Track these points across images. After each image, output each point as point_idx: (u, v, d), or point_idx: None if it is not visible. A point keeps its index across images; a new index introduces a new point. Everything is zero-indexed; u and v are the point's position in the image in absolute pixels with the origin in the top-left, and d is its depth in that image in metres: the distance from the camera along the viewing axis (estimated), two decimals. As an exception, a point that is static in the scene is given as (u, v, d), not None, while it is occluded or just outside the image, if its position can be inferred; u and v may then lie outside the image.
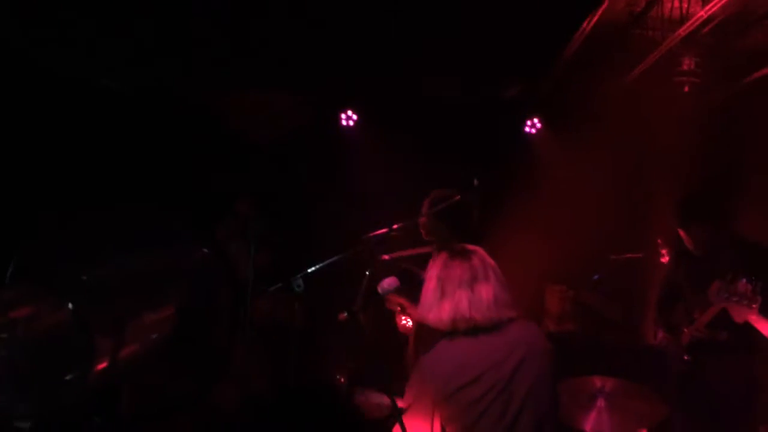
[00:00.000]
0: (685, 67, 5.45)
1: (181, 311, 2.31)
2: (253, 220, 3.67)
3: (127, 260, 2.28)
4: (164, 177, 5.70)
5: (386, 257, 4.01)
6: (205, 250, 2.60)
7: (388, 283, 3.55)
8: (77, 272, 2.06)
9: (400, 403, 2.93)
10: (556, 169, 6.38)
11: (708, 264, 4.16)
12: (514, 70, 6.20)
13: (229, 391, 3.49)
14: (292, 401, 1.69)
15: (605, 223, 5.75)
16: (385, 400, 3.55)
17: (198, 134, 6.20)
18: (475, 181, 3.97)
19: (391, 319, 4.27)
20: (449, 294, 2.84)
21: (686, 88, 5.48)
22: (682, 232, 4.26)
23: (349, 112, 6.77)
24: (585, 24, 5.03)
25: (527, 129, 6.92)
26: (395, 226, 3.87)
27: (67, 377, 1.81)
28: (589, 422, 3.76)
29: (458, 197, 3.96)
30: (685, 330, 4.27)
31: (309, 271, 3.36)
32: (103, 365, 1.89)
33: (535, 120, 6.88)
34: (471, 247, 2.98)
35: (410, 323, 4.10)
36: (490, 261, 2.93)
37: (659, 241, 5.52)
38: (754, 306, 3.54)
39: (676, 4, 5.06)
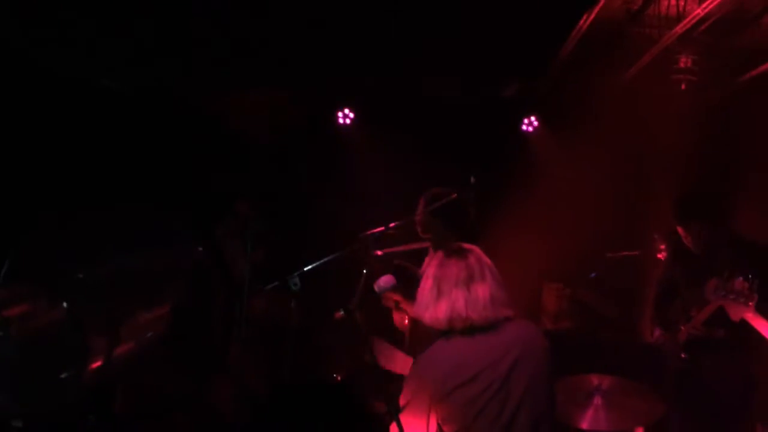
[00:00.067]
0: (682, 65, 5.46)
1: (176, 310, 2.31)
2: (252, 219, 3.67)
3: (123, 259, 2.27)
4: (162, 177, 5.69)
5: (379, 253, 4.01)
6: (201, 249, 2.60)
7: (385, 281, 3.55)
8: (72, 271, 2.05)
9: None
10: (553, 167, 6.38)
11: (705, 262, 4.17)
12: (511, 68, 6.20)
13: (226, 390, 3.49)
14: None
15: (602, 221, 5.75)
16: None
17: (196, 134, 6.19)
18: (472, 179, 3.97)
19: (387, 316, 4.27)
20: (446, 293, 2.84)
21: (683, 86, 5.48)
22: (680, 230, 4.26)
23: (346, 111, 6.76)
24: (582, 22, 5.03)
25: (524, 127, 6.91)
26: (392, 225, 3.87)
27: (62, 376, 1.81)
28: (586, 420, 3.76)
29: (455, 195, 3.97)
30: (682, 328, 4.28)
31: (306, 269, 3.36)
32: (97, 364, 1.89)
33: (532, 118, 6.88)
34: (467, 245, 2.98)
35: (407, 320, 4.10)
36: (487, 260, 2.93)
37: (656, 238, 5.52)
38: (750, 304, 3.55)
39: (673, 2, 5.06)
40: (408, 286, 3.73)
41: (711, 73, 5.71)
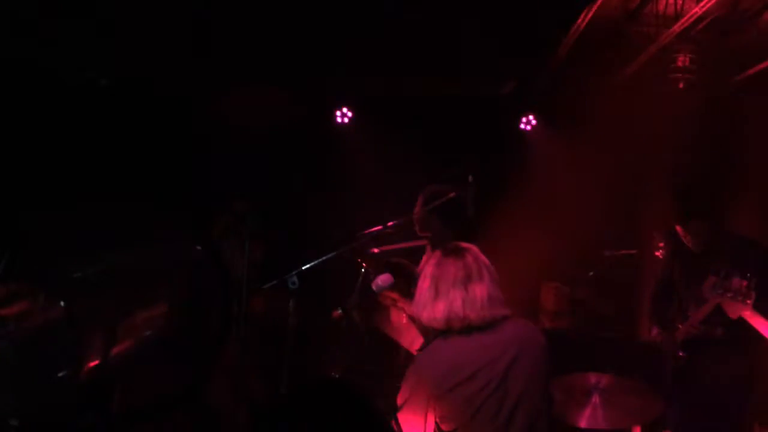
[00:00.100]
0: (680, 64, 5.45)
1: (173, 309, 2.31)
2: (250, 218, 3.66)
3: (120, 258, 2.27)
4: (159, 175, 5.69)
5: (376, 250, 4.01)
6: (199, 248, 2.60)
7: (383, 279, 3.56)
8: (70, 270, 2.05)
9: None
10: (552, 165, 6.38)
11: (703, 260, 4.17)
12: (509, 66, 6.20)
13: (223, 389, 3.49)
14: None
15: (600, 219, 5.75)
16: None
17: (194, 132, 6.19)
18: (470, 178, 3.97)
19: (385, 314, 4.27)
20: (443, 293, 2.84)
21: (681, 85, 5.48)
22: (679, 229, 4.26)
23: (344, 110, 6.75)
24: (580, 20, 5.02)
25: (522, 126, 6.91)
26: (390, 224, 3.86)
27: (59, 375, 1.80)
28: (584, 418, 3.76)
29: (453, 194, 3.96)
30: (680, 326, 4.28)
31: (304, 268, 3.35)
32: (94, 363, 1.88)
33: (531, 117, 6.87)
34: (464, 245, 2.98)
35: (404, 318, 4.10)
36: (484, 259, 2.93)
37: (656, 236, 5.52)
38: (748, 302, 3.56)
39: (671, 0, 5.07)
40: (405, 284, 3.73)
41: (709, 72, 5.71)
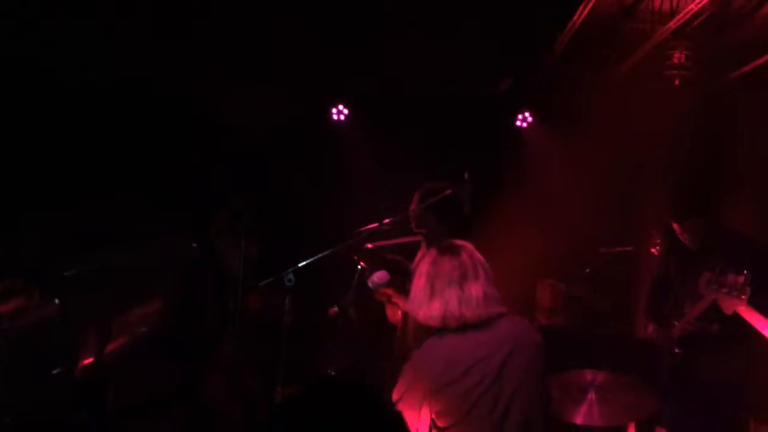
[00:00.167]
0: (676, 61, 5.45)
1: (169, 306, 2.30)
2: (246, 215, 3.66)
3: (115, 255, 2.26)
4: (155, 172, 5.68)
5: (370, 246, 4.01)
6: (194, 245, 2.59)
7: (379, 276, 3.55)
8: (64, 267, 2.04)
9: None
10: (548, 162, 6.38)
11: (699, 257, 4.17)
12: (505, 64, 6.20)
13: (219, 387, 3.48)
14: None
15: (596, 216, 5.75)
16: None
17: (190, 130, 6.18)
18: (466, 175, 3.97)
19: (380, 311, 4.27)
20: (439, 292, 2.85)
21: (677, 82, 5.48)
22: (676, 226, 4.27)
23: (340, 107, 6.75)
24: (576, 17, 5.02)
25: (518, 123, 6.91)
26: (386, 221, 3.87)
27: (53, 373, 1.80)
28: (580, 415, 3.76)
29: (449, 191, 3.97)
30: (676, 323, 4.29)
31: (300, 265, 3.35)
32: (89, 360, 1.88)
33: (527, 114, 6.87)
34: (459, 242, 2.98)
35: (399, 314, 4.10)
36: (479, 257, 2.94)
37: (654, 234, 5.53)
38: (743, 297, 3.56)
39: (667, -3, 5.08)
40: (400, 280, 3.73)
41: (705, 69, 5.71)
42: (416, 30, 5.19)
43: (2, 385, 1.81)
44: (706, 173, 5.64)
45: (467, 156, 5.53)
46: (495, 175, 6.11)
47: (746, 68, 5.79)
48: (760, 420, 4.54)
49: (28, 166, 5.10)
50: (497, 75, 6.60)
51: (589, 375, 3.89)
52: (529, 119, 6.88)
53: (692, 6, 4.65)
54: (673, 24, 4.96)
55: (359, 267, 3.85)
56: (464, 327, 2.83)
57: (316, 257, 3.43)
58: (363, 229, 3.93)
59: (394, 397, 2.86)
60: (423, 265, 2.96)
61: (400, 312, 4.02)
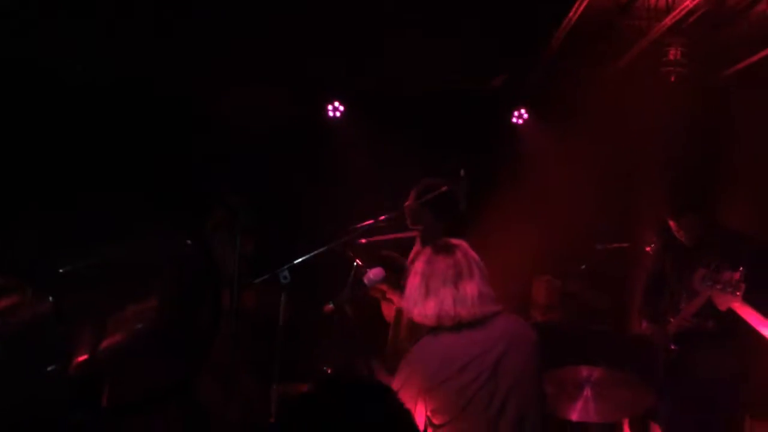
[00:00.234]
0: (671, 57, 5.45)
1: (164, 303, 2.30)
2: (242, 212, 3.66)
3: (111, 252, 2.26)
4: (150, 169, 5.67)
5: (363, 241, 4.01)
6: (189, 242, 2.59)
7: (375, 273, 3.55)
8: (59, 264, 2.03)
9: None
10: (543, 159, 6.38)
11: (695, 254, 4.18)
12: (501, 59, 6.19)
13: (214, 386, 3.48)
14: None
15: (592, 212, 5.76)
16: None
17: (186, 127, 6.17)
18: (462, 172, 3.97)
19: (376, 307, 4.27)
20: (433, 291, 2.85)
21: (672, 78, 5.48)
22: (672, 223, 4.27)
23: (336, 104, 6.73)
24: (572, 13, 5.02)
25: (514, 119, 6.90)
26: (382, 217, 3.87)
27: (47, 370, 1.79)
28: (576, 411, 3.77)
29: (445, 187, 3.96)
30: (672, 319, 4.29)
31: (296, 262, 3.35)
32: (83, 357, 1.87)
33: (522, 110, 6.87)
34: (454, 241, 2.99)
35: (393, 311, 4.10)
36: (474, 255, 2.94)
37: (647, 232, 5.53)
38: (737, 293, 3.56)
39: (663, -7, 5.07)
40: (395, 276, 3.73)
41: (700, 65, 5.72)
42: (412, 27, 5.18)
43: (-4, 383, 1.81)
44: (701, 170, 5.65)
45: (463, 153, 5.52)
46: (491, 172, 6.11)
47: (741, 65, 5.80)
48: (755, 416, 4.55)
49: (27, 165, 5.09)
50: (493, 71, 6.59)
51: (584, 371, 3.90)
52: (525, 116, 6.87)
53: (688, 3, 4.64)
54: (668, 20, 4.96)
55: (355, 264, 3.85)
56: (459, 326, 2.84)
57: (311, 254, 3.43)
58: (359, 225, 3.93)
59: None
60: (418, 264, 2.96)
61: (394, 308, 4.02)
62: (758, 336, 3.55)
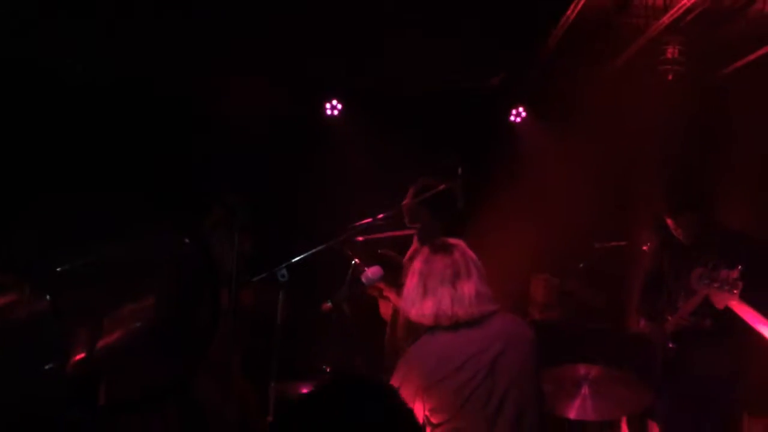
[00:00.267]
0: (669, 56, 5.45)
1: (161, 301, 2.29)
2: (240, 210, 3.66)
3: (108, 250, 2.25)
4: (147, 167, 5.66)
5: (361, 239, 4.01)
6: (187, 240, 2.58)
7: (373, 272, 3.56)
8: (55, 263, 2.03)
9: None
10: (541, 157, 6.38)
11: (693, 252, 4.19)
12: (499, 58, 6.19)
13: (211, 384, 3.48)
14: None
15: (590, 211, 5.75)
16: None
17: (183, 125, 6.16)
18: (460, 170, 3.98)
19: (374, 307, 4.27)
20: (431, 290, 2.86)
21: (670, 76, 5.48)
22: (670, 222, 4.28)
23: (334, 102, 6.73)
24: (569, 11, 5.02)
25: (512, 118, 6.90)
26: (380, 216, 3.87)
27: (44, 368, 1.79)
28: (574, 410, 3.77)
29: (443, 186, 3.97)
30: (669, 318, 4.30)
31: (294, 260, 3.35)
32: (80, 356, 1.87)
33: (520, 109, 6.86)
34: (452, 241, 3.00)
35: (390, 309, 4.11)
36: (471, 254, 2.95)
37: (643, 231, 5.53)
38: (735, 292, 3.57)
39: (660, -9, 5.07)
40: (392, 275, 3.74)
41: (698, 64, 5.72)
42: (410, 25, 5.18)
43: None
44: (699, 168, 5.65)
45: (461, 151, 5.52)
46: (489, 171, 6.11)
47: (739, 63, 5.80)
48: (753, 414, 4.56)
49: (27, 165, 5.08)
50: (491, 70, 6.58)
51: (582, 369, 3.89)
52: (523, 114, 6.87)
53: (685, 1, 4.64)
54: (666, 19, 4.96)
55: (353, 262, 3.85)
56: (456, 325, 2.85)
57: (309, 252, 3.43)
58: (357, 224, 3.93)
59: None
60: (416, 264, 2.97)
61: (391, 305, 4.03)
62: (756, 334, 3.55)
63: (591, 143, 5.70)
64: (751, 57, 5.61)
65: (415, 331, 3.10)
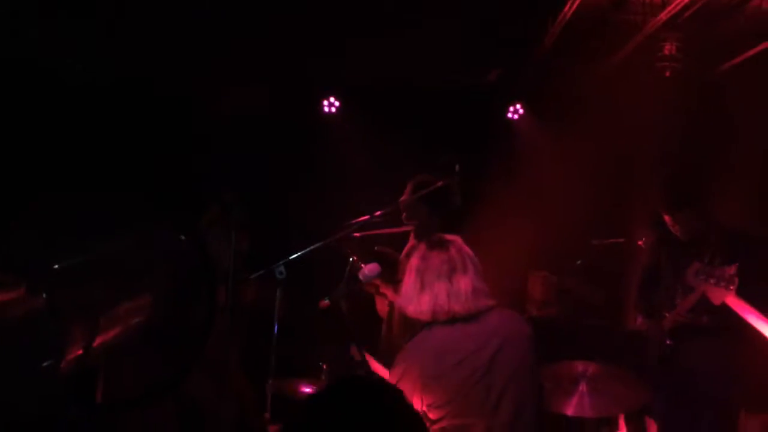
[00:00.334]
0: (667, 52, 5.45)
1: (158, 299, 2.29)
2: (237, 208, 3.67)
3: (104, 248, 2.25)
4: (144, 165, 5.67)
5: (357, 235, 4.02)
6: (183, 238, 2.58)
7: (370, 269, 3.56)
8: (51, 261, 2.03)
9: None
10: (539, 154, 6.38)
11: (690, 249, 4.19)
12: (496, 55, 6.19)
13: (208, 382, 3.48)
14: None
15: (588, 208, 5.76)
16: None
17: (181, 123, 6.17)
18: (457, 167, 3.98)
19: (370, 302, 4.28)
20: (428, 286, 2.87)
21: (667, 73, 5.47)
22: (667, 218, 4.28)
23: (332, 99, 6.73)
24: (566, 8, 5.02)
25: (510, 115, 6.91)
26: (377, 213, 3.87)
27: (41, 366, 1.79)
28: (571, 406, 3.77)
29: (441, 183, 3.97)
30: (667, 315, 4.30)
31: (291, 258, 3.36)
32: (77, 353, 1.87)
33: (518, 106, 6.87)
34: (449, 237, 3.01)
35: (387, 306, 4.11)
36: (468, 250, 2.96)
37: (643, 226, 5.53)
38: (731, 288, 3.57)
39: (658, -12, 5.06)
40: (389, 272, 3.74)
41: (696, 60, 5.72)
42: (408, 22, 5.18)
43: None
44: (696, 165, 5.66)
45: (458, 148, 5.52)
46: (486, 168, 6.11)
47: (737, 59, 5.79)
48: (750, 411, 4.56)
49: (27, 165, 5.09)
50: (488, 67, 6.59)
51: (580, 366, 3.89)
52: (521, 111, 6.88)
53: (683, -3, 4.65)
54: (663, 15, 4.95)
55: (350, 260, 3.85)
56: (453, 320, 2.85)
57: (307, 250, 3.44)
58: (354, 221, 3.94)
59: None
60: (413, 260, 2.99)
61: (387, 302, 4.03)
62: (752, 331, 3.56)
63: (588, 140, 5.70)
64: (749, 54, 5.61)
65: (411, 327, 3.11)
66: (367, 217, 3.87)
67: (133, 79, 5.93)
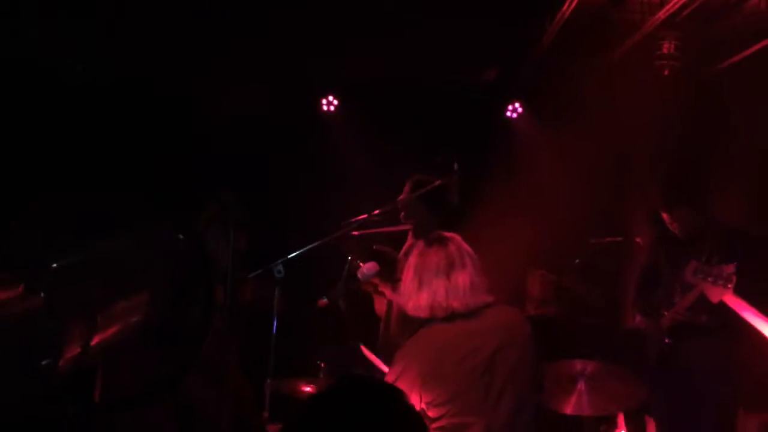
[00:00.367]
0: (665, 51, 5.44)
1: (156, 298, 2.29)
2: (235, 206, 3.67)
3: (102, 247, 2.25)
4: (143, 163, 5.67)
5: (356, 233, 4.02)
6: (181, 236, 2.58)
7: (368, 268, 3.57)
8: (48, 260, 2.03)
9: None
10: (538, 153, 6.38)
11: (689, 247, 4.19)
12: (495, 53, 6.19)
13: (206, 382, 3.48)
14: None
15: (586, 206, 5.76)
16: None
17: (179, 121, 6.17)
18: (456, 166, 3.98)
19: (369, 301, 4.28)
20: (426, 282, 2.87)
21: (666, 72, 5.47)
22: (665, 216, 4.28)
23: (330, 98, 6.73)
24: (565, 7, 5.02)
25: (508, 113, 6.91)
26: (375, 212, 3.88)
27: (38, 366, 1.79)
28: (570, 405, 3.78)
29: (439, 182, 3.97)
30: (666, 313, 4.30)
31: (290, 256, 3.36)
32: (74, 352, 1.87)
33: (517, 104, 6.87)
34: (447, 234, 3.01)
35: (385, 304, 4.11)
36: (467, 247, 2.96)
37: (641, 224, 5.54)
38: (729, 286, 3.57)
39: (656, -14, 5.07)
40: (387, 270, 3.74)
41: (694, 59, 5.72)
42: (407, 21, 5.18)
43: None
44: (695, 163, 5.65)
45: (457, 147, 5.52)
46: (485, 166, 6.11)
47: (736, 58, 5.79)
48: (748, 410, 4.56)
49: (27, 165, 5.09)
50: (486, 65, 6.59)
51: (578, 365, 3.90)
52: (519, 110, 6.87)
53: (681, -4, 4.65)
54: (662, 14, 4.95)
55: (349, 258, 3.86)
56: (452, 317, 2.85)
57: (305, 249, 3.44)
58: (353, 220, 3.94)
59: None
60: (411, 258, 2.99)
61: (386, 301, 4.03)
62: (751, 329, 3.56)
63: (587, 139, 5.70)
64: (747, 52, 5.61)
65: (410, 326, 3.11)
66: (365, 216, 3.87)
67: (133, 79, 5.94)
